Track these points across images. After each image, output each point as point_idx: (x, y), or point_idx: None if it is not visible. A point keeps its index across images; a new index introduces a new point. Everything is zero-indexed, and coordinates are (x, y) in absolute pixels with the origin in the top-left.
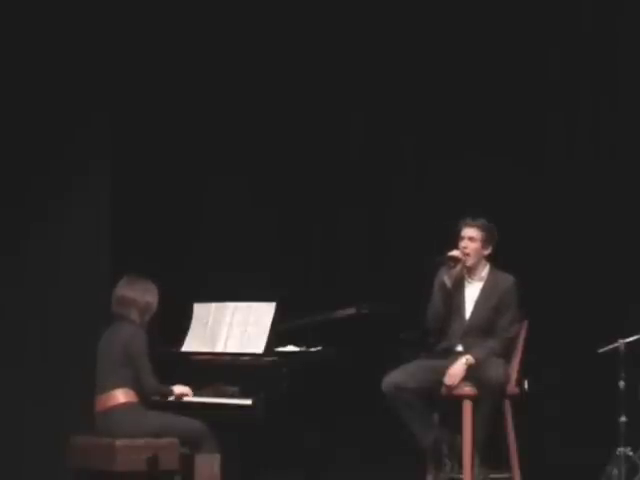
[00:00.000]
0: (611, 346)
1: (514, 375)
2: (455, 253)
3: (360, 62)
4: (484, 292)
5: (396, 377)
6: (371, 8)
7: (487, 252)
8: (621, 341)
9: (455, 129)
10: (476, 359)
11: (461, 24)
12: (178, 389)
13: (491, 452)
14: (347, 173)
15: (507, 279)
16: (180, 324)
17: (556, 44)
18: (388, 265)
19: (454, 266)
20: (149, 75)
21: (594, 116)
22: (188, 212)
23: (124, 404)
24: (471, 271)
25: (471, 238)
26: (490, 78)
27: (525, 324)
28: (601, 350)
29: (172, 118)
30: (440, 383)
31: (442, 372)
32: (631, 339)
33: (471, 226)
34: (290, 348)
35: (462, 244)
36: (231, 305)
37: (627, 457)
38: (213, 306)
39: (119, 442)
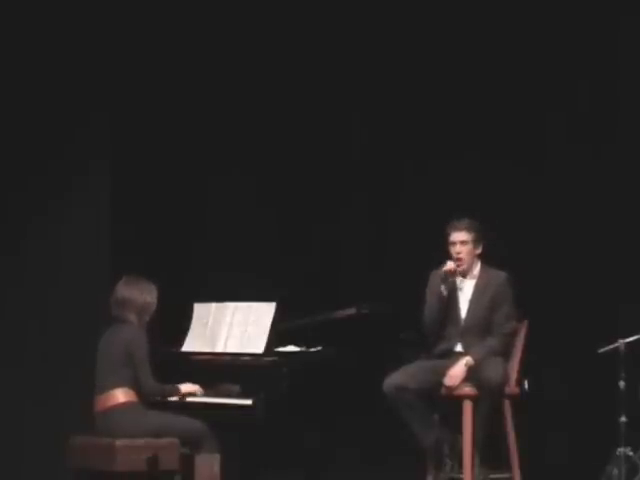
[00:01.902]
0: (611, 346)
1: (514, 375)
2: (450, 267)
3: (360, 62)
4: (477, 290)
5: (397, 378)
6: (372, 9)
7: (479, 251)
8: (621, 341)
9: (455, 129)
10: (475, 360)
11: (461, 24)
12: (185, 387)
13: (491, 452)
14: (347, 173)
15: (499, 275)
16: (180, 324)
17: (556, 44)
18: (388, 265)
19: (452, 278)
20: (149, 75)
21: (594, 116)
22: (188, 212)
23: (124, 404)
24: (465, 271)
25: (463, 242)
26: (490, 78)
27: (525, 324)
28: (601, 350)
29: (172, 118)
30: (440, 384)
31: (442, 373)
32: (631, 339)
33: (460, 229)
34: (290, 348)
35: (455, 249)
36: (231, 305)
37: (627, 457)
38: (213, 306)
39: (119, 442)
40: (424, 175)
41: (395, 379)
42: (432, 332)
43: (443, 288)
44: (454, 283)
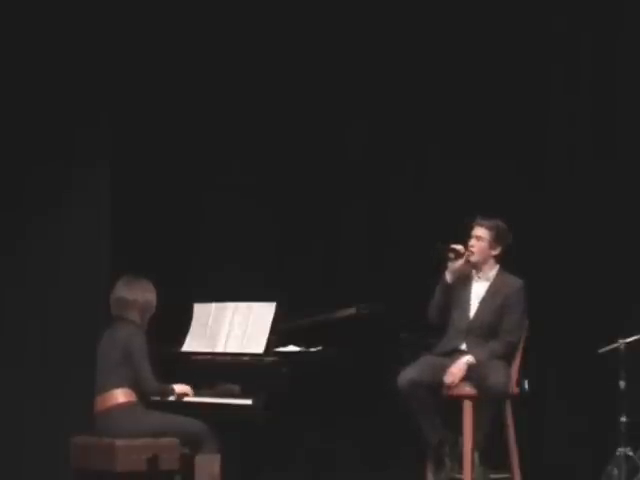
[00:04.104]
0: (611, 346)
1: (514, 375)
2: (457, 246)
3: (363, 65)
4: (490, 292)
5: (411, 373)
6: (374, 12)
7: (495, 252)
8: (621, 341)
9: (456, 130)
10: (477, 361)
11: (463, 28)
12: (179, 388)
13: (491, 452)
14: (348, 173)
15: (515, 282)
16: (180, 324)
17: (558, 54)
18: (388, 265)
19: (454, 258)
20: (149, 75)
21: (595, 116)
22: (188, 212)
23: (124, 404)
24: (478, 269)
25: (478, 237)
26: (491, 80)
27: (525, 324)
28: (601, 350)
29: (172, 118)
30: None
31: (446, 371)
32: (631, 339)
33: (480, 225)
34: (290, 348)
35: (470, 243)
36: (231, 305)
37: (627, 457)
38: (213, 306)
39: (119, 442)
40: (424, 176)
41: (409, 374)
42: (434, 320)
43: (447, 273)
44: (468, 276)
